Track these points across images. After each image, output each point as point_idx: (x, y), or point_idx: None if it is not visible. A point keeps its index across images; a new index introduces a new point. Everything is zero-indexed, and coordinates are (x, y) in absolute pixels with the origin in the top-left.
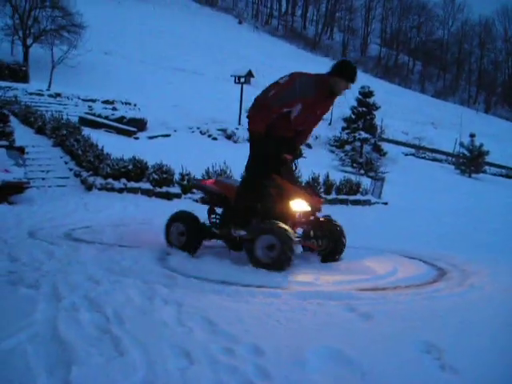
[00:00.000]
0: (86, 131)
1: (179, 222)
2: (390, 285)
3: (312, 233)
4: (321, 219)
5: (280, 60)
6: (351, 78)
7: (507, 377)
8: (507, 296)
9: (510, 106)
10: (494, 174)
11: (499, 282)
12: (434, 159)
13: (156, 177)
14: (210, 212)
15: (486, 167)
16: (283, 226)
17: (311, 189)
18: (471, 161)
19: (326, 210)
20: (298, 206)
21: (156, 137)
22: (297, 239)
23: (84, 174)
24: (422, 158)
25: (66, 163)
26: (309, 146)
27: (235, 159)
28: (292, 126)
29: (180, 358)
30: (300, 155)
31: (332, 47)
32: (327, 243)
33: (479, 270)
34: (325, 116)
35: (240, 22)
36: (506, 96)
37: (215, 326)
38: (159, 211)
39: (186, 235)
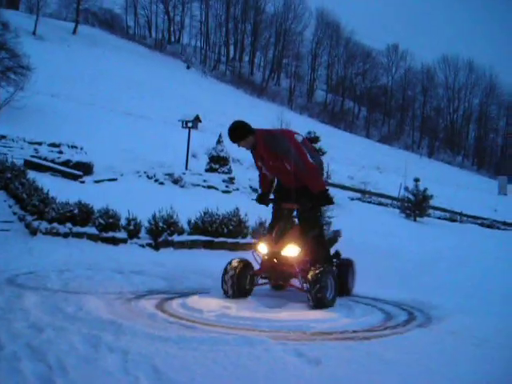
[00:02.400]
0: (32, 174)
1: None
2: (338, 329)
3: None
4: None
5: (228, 105)
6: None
7: None
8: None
9: (451, 150)
10: (439, 218)
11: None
12: (380, 203)
13: (102, 221)
14: None
15: (431, 211)
16: None
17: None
18: (416, 205)
19: None
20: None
21: (102, 181)
22: None
23: (28, 218)
24: (368, 202)
25: (10, 207)
26: (255, 191)
27: (182, 204)
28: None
29: None
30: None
31: (279, 93)
32: None
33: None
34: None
35: (188, 67)
36: (447, 141)
37: (162, 375)
38: (105, 256)
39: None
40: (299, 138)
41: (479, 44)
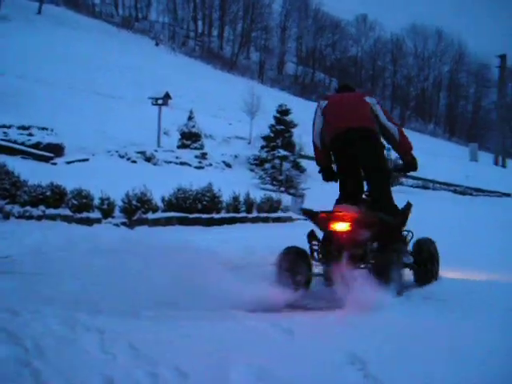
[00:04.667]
0: (1, 158)
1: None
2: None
3: None
4: None
5: (198, 81)
6: None
7: None
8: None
9: (423, 118)
10: (411, 186)
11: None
12: None
13: (75, 202)
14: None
15: (403, 179)
16: None
17: None
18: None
19: (248, 229)
20: None
21: (74, 162)
22: None
23: (0, 202)
24: None
25: None
26: (229, 166)
27: (155, 181)
28: None
29: None
30: None
31: (249, 67)
32: None
33: None
34: (245, 135)
35: (157, 44)
36: (419, 109)
37: (138, 351)
38: (80, 237)
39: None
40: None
41: (447, 12)
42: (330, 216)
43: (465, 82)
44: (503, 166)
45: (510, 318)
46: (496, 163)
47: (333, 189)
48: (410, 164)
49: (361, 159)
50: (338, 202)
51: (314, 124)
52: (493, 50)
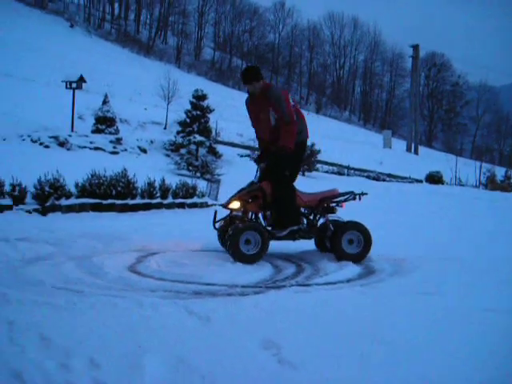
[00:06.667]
0: None
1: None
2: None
3: None
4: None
5: (114, 64)
6: (243, 81)
7: (344, 367)
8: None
9: (338, 106)
10: (327, 172)
11: None
12: None
13: None
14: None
15: (319, 165)
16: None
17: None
18: (304, 160)
19: (162, 215)
20: None
21: None
22: None
23: None
24: None
25: None
26: (144, 151)
27: (69, 167)
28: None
29: (11, 380)
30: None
31: (166, 51)
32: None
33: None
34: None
35: (72, 26)
36: (334, 97)
37: (49, 341)
38: None
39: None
40: (291, 100)
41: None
42: None
43: (379, 70)
44: (415, 153)
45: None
46: (409, 150)
47: (247, 174)
48: None
49: None
50: None
51: None
52: (406, 40)
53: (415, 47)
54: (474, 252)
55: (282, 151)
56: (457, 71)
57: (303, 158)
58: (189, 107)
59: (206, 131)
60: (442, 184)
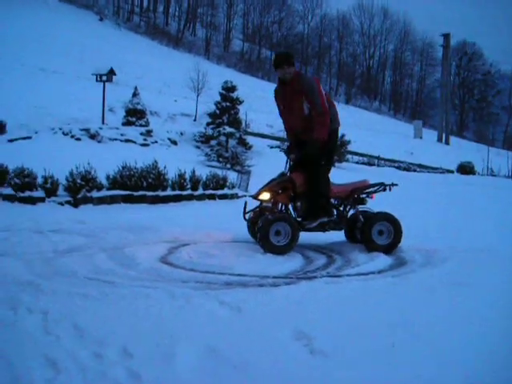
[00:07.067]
0: None
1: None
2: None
3: None
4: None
5: (143, 57)
6: (274, 65)
7: (371, 357)
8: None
9: (368, 96)
10: (357, 162)
11: None
12: None
13: (18, 181)
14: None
15: (349, 156)
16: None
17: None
18: (337, 149)
19: (193, 207)
20: None
21: (16, 139)
22: None
23: None
24: None
25: None
26: (174, 143)
27: (100, 159)
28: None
29: (47, 368)
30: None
31: (195, 43)
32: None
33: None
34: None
35: (101, 19)
36: (364, 87)
37: (83, 331)
38: (23, 217)
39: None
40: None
41: None
42: None
43: (409, 60)
44: (446, 143)
45: None
46: (440, 140)
47: (276, 165)
48: None
49: None
50: None
51: None
52: (437, 29)
53: (446, 36)
54: (507, 243)
55: (317, 143)
56: (488, 60)
57: (336, 146)
58: (218, 99)
59: (235, 122)
60: (474, 174)
